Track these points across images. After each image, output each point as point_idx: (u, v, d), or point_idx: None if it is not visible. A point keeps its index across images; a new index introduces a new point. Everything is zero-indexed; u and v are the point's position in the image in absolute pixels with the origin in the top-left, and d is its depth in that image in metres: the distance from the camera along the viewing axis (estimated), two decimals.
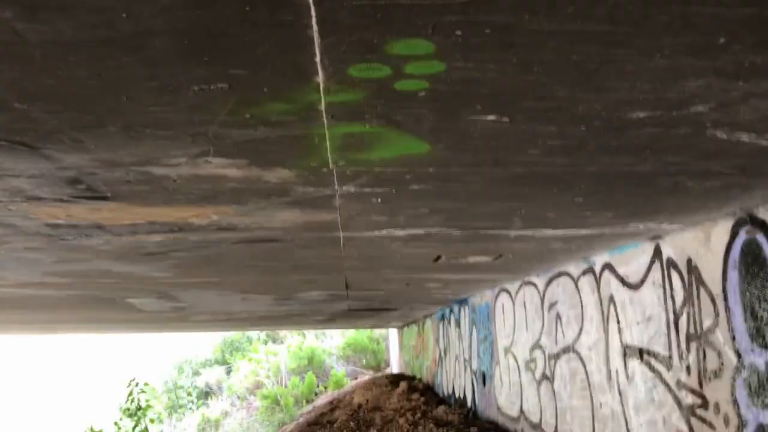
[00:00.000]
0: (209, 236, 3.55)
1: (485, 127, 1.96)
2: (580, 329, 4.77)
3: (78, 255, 4.00)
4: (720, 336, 3.09)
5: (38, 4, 1.28)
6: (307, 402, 16.75)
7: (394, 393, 10.55)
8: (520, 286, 6.16)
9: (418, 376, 12.40)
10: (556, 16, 1.35)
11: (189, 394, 22.41)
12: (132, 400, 13.21)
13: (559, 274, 5.14)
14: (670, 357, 3.54)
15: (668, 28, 1.39)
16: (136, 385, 13.37)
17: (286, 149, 2.16)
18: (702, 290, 3.24)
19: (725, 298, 3.05)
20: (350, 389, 14.19)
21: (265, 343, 22.66)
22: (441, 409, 8.54)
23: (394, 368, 16.44)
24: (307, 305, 8.00)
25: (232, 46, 1.46)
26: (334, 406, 12.16)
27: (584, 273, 4.66)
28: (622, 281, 4.10)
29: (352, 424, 9.44)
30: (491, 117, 1.88)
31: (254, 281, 5.61)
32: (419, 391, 10.47)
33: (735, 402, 2.98)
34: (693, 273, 3.31)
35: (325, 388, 17.44)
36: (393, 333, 16.96)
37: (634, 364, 3.95)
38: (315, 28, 1.38)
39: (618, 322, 4.16)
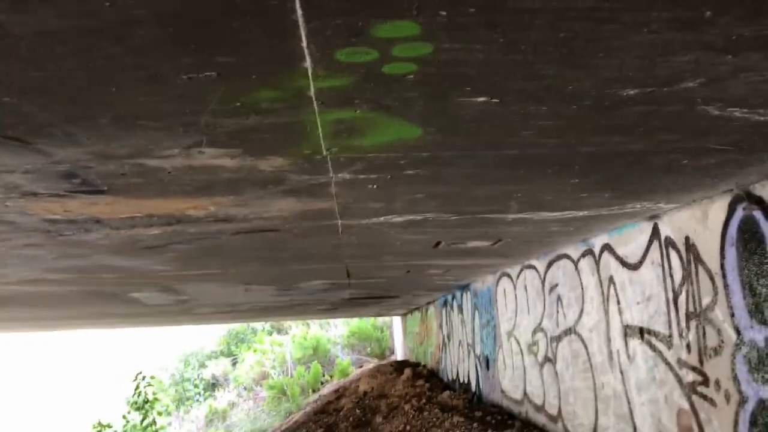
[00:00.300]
0: (207, 228, 3.56)
1: (476, 109, 1.96)
2: (581, 311, 4.78)
3: (78, 250, 4.01)
4: (719, 313, 3.10)
5: None
6: (313, 391, 16.83)
7: (398, 380, 10.60)
8: (521, 269, 6.16)
9: (422, 363, 12.45)
10: None
11: (196, 386, 22.55)
12: (139, 394, 13.28)
13: (559, 257, 5.15)
14: (670, 336, 3.55)
15: (654, 2, 1.39)
16: (143, 378, 13.44)
17: (278, 137, 2.16)
18: (700, 268, 3.24)
19: (723, 276, 3.05)
20: (355, 377, 14.26)
21: (270, 333, 22.74)
22: (446, 394, 8.59)
23: (399, 355, 16.51)
24: (309, 295, 8.02)
25: (219, 32, 1.46)
26: (339, 394, 12.22)
27: (584, 255, 4.67)
28: (622, 262, 4.10)
29: (358, 411, 9.50)
30: (481, 99, 1.87)
31: (255, 272, 5.63)
32: (424, 377, 10.52)
33: (735, 378, 2.99)
34: (691, 251, 3.32)
35: (331, 377, 17.52)
36: (396, 320, 17.01)
37: (635, 343, 3.96)
38: (299, 12, 1.38)
39: (618, 302, 4.17)
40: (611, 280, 4.26)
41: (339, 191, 2.91)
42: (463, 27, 1.45)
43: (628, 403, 4.08)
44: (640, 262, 3.86)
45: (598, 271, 4.46)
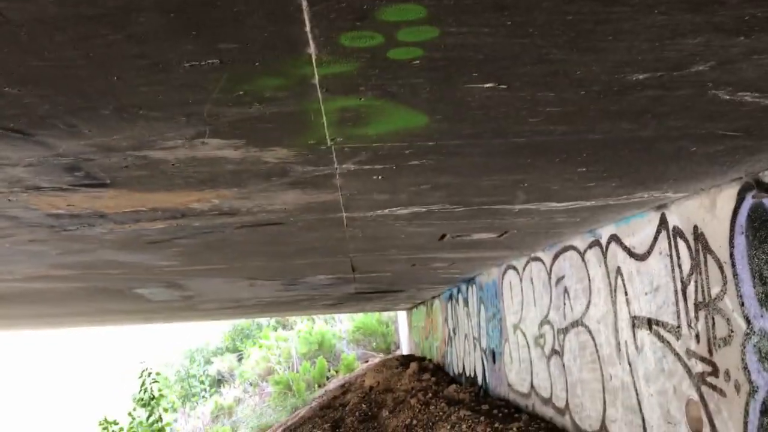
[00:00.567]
0: (212, 221, 3.54)
1: (483, 96, 1.93)
2: (588, 302, 4.75)
3: (82, 245, 4.00)
4: (728, 303, 3.06)
5: None
6: (319, 386, 16.86)
7: (404, 374, 10.59)
8: (527, 262, 6.14)
9: (428, 357, 12.45)
10: None
11: (201, 382, 22.61)
12: (145, 390, 13.30)
13: (566, 249, 5.12)
14: (679, 326, 3.52)
15: None
16: (149, 375, 13.45)
17: (282, 127, 2.14)
18: (709, 257, 3.21)
19: (733, 265, 3.02)
20: (361, 372, 14.27)
21: (275, 329, 22.77)
22: (452, 388, 8.57)
23: (404, 350, 16.50)
24: (314, 290, 8.00)
25: (220, 18, 1.43)
26: (345, 389, 12.24)
27: (591, 246, 4.63)
28: (629, 252, 4.07)
29: (364, 406, 9.50)
30: (488, 84, 1.84)
31: (260, 267, 5.61)
32: (430, 371, 10.51)
33: (745, 368, 2.96)
34: (699, 240, 3.28)
35: (336, 371, 17.54)
36: (402, 315, 17.00)
37: (643, 334, 3.93)
38: None
39: (626, 293, 4.14)
40: (619, 271, 4.23)
41: (344, 182, 2.89)
42: (469, 10, 1.42)
43: (637, 394, 4.05)
44: (648, 253, 3.82)
45: (605, 262, 4.43)
